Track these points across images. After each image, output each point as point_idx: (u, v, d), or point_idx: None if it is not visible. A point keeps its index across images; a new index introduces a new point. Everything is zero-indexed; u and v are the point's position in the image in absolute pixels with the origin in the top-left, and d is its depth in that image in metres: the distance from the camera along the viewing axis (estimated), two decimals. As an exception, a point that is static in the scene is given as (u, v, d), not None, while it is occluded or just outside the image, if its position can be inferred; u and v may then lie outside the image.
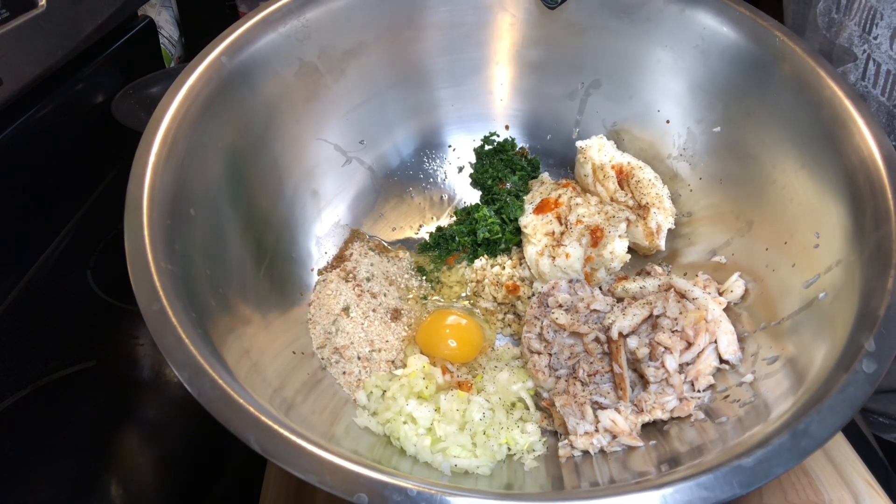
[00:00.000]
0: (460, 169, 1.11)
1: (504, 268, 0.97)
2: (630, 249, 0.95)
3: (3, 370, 0.81)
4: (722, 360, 0.76)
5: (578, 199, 0.97)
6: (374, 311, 0.90)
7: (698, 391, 0.75)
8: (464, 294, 0.98)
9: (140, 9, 1.22)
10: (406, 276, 0.99)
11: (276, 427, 0.52)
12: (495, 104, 1.08)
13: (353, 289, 0.91)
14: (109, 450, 0.82)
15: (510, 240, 1.00)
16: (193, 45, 1.60)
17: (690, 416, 0.72)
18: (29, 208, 0.91)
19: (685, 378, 0.75)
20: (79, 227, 0.99)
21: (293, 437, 0.51)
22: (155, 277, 0.60)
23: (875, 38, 0.82)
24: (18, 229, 0.89)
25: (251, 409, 0.53)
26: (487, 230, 0.99)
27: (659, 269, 0.91)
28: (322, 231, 0.98)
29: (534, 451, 0.76)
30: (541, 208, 0.97)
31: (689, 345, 0.76)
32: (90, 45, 0.99)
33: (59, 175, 0.98)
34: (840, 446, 0.81)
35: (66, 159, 0.99)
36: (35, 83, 0.86)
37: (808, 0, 0.96)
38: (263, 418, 0.52)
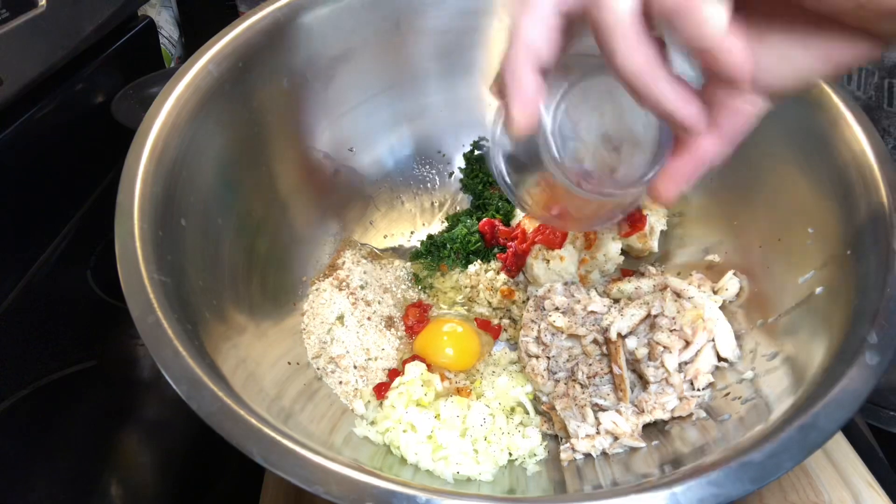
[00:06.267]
0: (450, 175, 1.10)
1: (498, 273, 0.97)
2: (623, 252, 0.95)
3: (3, 370, 0.80)
4: (720, 358, 0.76)
5: (570, 202, 0.97)
6: (368, 318, 0.89)
7: (698, 390, 0.74)
8: (459, 299, 0.97)
9: (140, 9, 1.21)
10: (402, 284, 0.98)
11: (278, 438, 0.51)
12: (485, 109, 1.08)
13: (347, 297, 0.90)
14: (109, 450, 0.81)
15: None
16: (193, 45, 1.57)
17: (692, 414, 0.72)
18: (29, 208, 0.90)
19: (684, 377, 0.75)
20: (79, 227, 0.97)
21: (296, 448, 0.50)
22: (149, 289, 0.59)
23: None
24: (18, 229, 0.88)
25: (252, 421, 0.52)
26: (468, 243, 0.99)
27: (653, 270, 0.91)
28: (314, 240, 0.97)
29: (535, 455, 0.75)
30: (533, 212, 0.97)
31: (688, 344, 0.76)
32: (90, 45, 0.98)
33: (59, 175, 0.96)
34: (840, 446, 0.81)
35: (66, 159, 0.98)
36: (35, 83, 0.85)
37: None
38: (265, 429, 0.51)
